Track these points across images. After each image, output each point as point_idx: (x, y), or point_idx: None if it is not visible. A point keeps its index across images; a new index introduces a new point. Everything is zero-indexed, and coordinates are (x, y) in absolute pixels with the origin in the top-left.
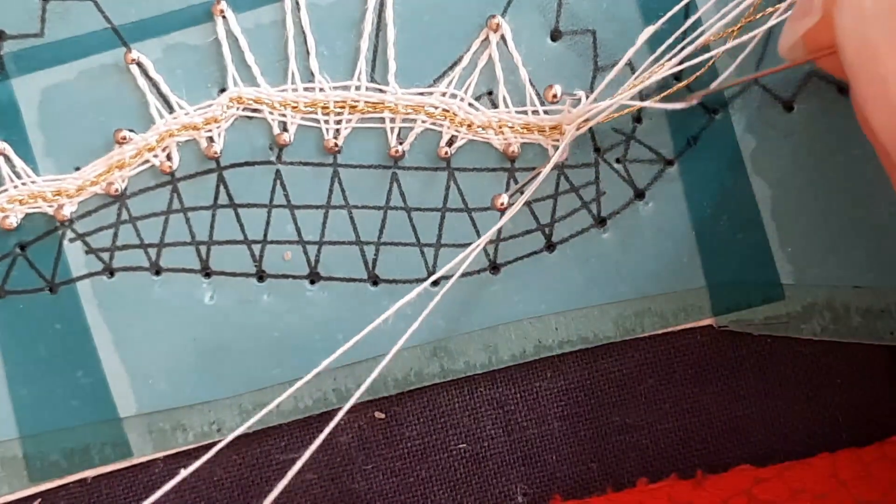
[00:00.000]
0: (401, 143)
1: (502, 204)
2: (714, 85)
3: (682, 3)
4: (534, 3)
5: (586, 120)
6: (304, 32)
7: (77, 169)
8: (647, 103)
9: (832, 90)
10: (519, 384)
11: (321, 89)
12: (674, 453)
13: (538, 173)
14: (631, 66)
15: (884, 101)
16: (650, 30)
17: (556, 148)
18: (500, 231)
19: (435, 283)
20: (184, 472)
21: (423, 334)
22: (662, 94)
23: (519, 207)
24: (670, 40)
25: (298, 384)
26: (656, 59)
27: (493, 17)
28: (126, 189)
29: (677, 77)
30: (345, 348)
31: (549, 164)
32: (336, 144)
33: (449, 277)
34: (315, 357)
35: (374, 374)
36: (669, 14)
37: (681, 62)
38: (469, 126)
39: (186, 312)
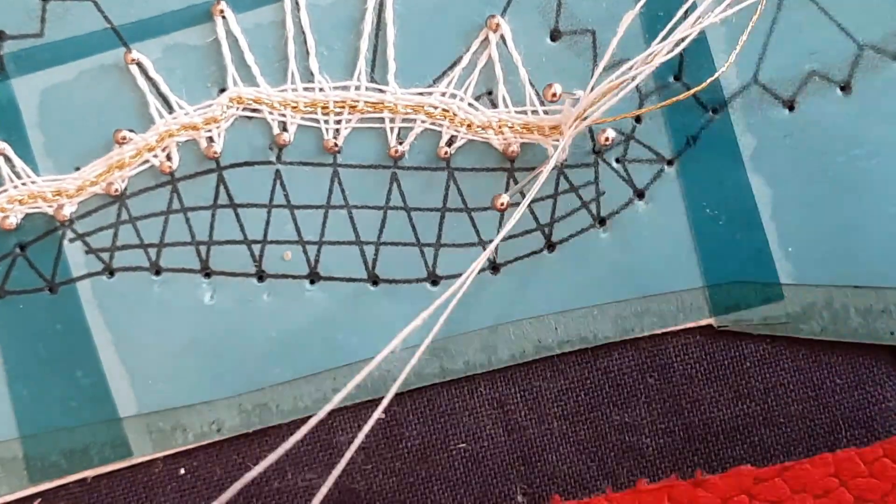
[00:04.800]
0: (400, 143)
1: (502, 204)
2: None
3: (687, 5)
4: (533, 3)
5: (586, 117)
6: (303, 32)
7: (77, 169)
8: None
9: (833, 89)
10: (519, 384)
11: (321, 89)
12: (673, 453)
13: (539, 172)
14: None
15: None
16: (631, 14)
17: (556, 148)
18: (499, 231)
19: (434, 284)
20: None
21: (423, 334)
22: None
23: (526, 206)
24: (665, 32)
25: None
26: (650, 53)
27: (493, 17)
28: (126, 189)
29: (677, 77)
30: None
31: (552, 161)
32: (336, 144)
33: (454, 277)
34: (314, 357)
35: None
36: (641, 3)
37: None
38: (469, 126)
39: (186, 312)
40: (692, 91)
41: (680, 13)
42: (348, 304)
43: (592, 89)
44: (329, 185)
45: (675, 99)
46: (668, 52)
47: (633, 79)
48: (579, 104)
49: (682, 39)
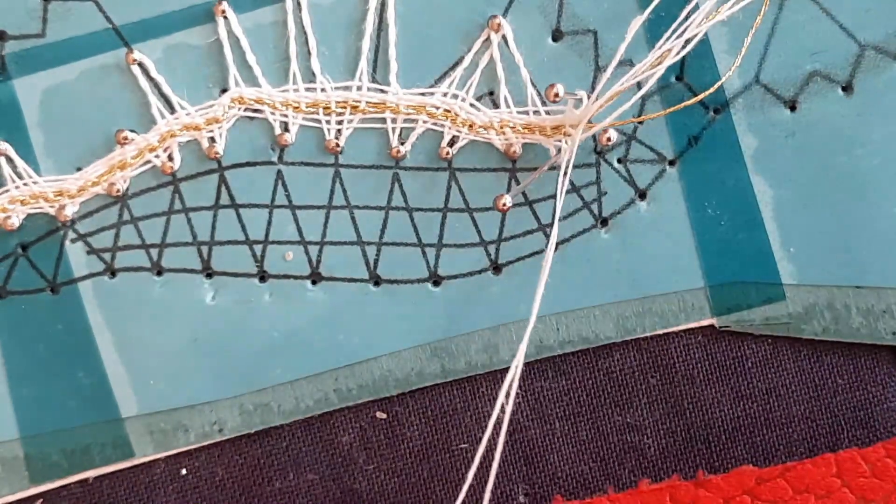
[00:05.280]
0: (402, 144)
1: (504, 204)
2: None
3: (689, 6)
4: (535, 3)
5: (592, 123)
6: (305, 33)
7: (78, 169)
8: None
9: (835, 89)
10: (520, 384)
11: (322, 89)
12: (675, 453)
13: (544, 169)
14: (631, 63)
15: None
16: (639, 19)
17: (558, 149)
18: (501, 231)
19: (436, 284)
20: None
21: (425, 334)
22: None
23: (563, 195)
24: (668, 34)
25: None
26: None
27: (495, 17)
28: (127, 189)
29: (679, 77)
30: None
31: (565, 163)
32: (337, 145)
33: (455, 278)
34: (316, 357)
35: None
36: (655, 3)
37: (675, 59)
38: (470, 126)
39: (188, 313)
40: (699, 97)
41: (683, 14)
42: (350, 305)
43: (598, 96)
44: (331, 185)
45: (684, 104)
46: (676, 54)
47: (640, 85)
48: (587, 109)
49: (689, 41)
